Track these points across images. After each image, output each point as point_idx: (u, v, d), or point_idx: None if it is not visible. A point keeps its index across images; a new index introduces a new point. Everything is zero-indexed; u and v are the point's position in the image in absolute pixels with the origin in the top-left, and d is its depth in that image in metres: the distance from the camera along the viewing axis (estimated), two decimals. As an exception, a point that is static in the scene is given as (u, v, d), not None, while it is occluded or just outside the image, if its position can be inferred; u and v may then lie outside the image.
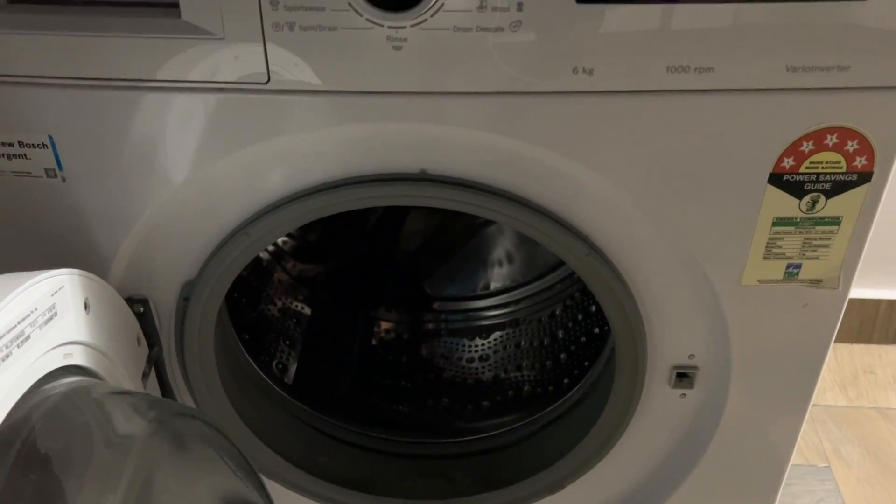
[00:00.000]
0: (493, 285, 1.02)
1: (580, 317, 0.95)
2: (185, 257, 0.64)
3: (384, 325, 1.03)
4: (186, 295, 0.65)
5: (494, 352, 0.99)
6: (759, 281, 0.61)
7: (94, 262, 0.62)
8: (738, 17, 0.50)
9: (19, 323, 0.46)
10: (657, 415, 0.71)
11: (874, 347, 1.34)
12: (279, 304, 0.97)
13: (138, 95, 0.55)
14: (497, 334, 1.00)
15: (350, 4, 0.50)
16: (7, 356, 0.44)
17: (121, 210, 0.60)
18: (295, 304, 0.98)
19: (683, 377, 0.68)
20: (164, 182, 0.59)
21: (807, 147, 0.55)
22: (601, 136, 0.55)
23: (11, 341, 0.45)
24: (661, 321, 0.65)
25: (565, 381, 0.89)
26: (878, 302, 1.29)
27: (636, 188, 0.58)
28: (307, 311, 0.99)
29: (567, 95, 0.53)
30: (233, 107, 0.55)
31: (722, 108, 0.54)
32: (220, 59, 0.53)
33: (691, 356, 0.67)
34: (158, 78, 0.54)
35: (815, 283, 0.61)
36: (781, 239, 0.59)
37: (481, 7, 0.50)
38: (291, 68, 0.53)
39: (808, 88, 0.53)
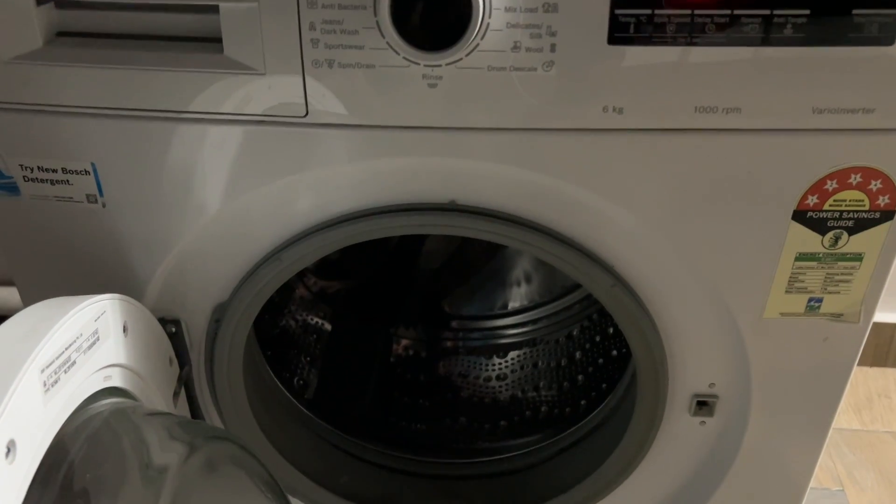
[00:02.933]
0: (511, 304, 1.03)
1: (598, 338, 0.95)
2: (218, 281, 0.65)
3: (402, 342, 1.04)
4: (218, 317, 0.67)
5: (512, 371, 0.99)
6: (780, 314, 0.62)
7: (130, 284, 0.64)
8: (765, 60, 0.51)
9: (66, 349, 0.47)
10: (676, 442, 0.72)
11: (889, 371, 1.33)
12: (300, 320, 0.98)
13: (179, 126, 0.57)
14: (514, 353, 1.01)
15: (388, 44, 0.51)
16: (55, 382, 0.46)
17: (158, 236, 0.62)
18: (315, 320, 0.99)
19: (703, 405, 0.69)
20: (201, 210, 0.60)
21: (831, 186, 0.56)
22: (629, 171, 0.57)
23: (59, 367, 0.46)
24: (683, 350, 0.66)
25: (582, 402, 0.89)
26: (893, 326, 1.30)
27: (662, 222, 0.59)
28: (327, 327, 1.00)
29: (596, 133, 0.55)
30: (271, 139, 0.57)
31: (748, 148, 0.55)
32: (260, 93, 0.54)
33: (712, 385, 0.68)
34: (199, 110, 0.56)
35: (836, 317, 0.62)
36: (804, 274, 0.60)
37: (515, 48, 0.52)
38: (329, 103, 0.54)
39: (834, 129, 0.54)
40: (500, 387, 0.98)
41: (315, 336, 0.99)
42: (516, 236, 0.61)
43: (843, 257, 0.59)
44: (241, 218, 0.61)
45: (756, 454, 0.71)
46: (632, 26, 0.50)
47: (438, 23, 0.50)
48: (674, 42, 0.51)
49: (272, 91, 0.54)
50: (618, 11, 0.50)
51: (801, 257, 0.59)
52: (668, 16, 0.50)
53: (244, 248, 0.63)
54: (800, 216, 0.57)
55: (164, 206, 0.60)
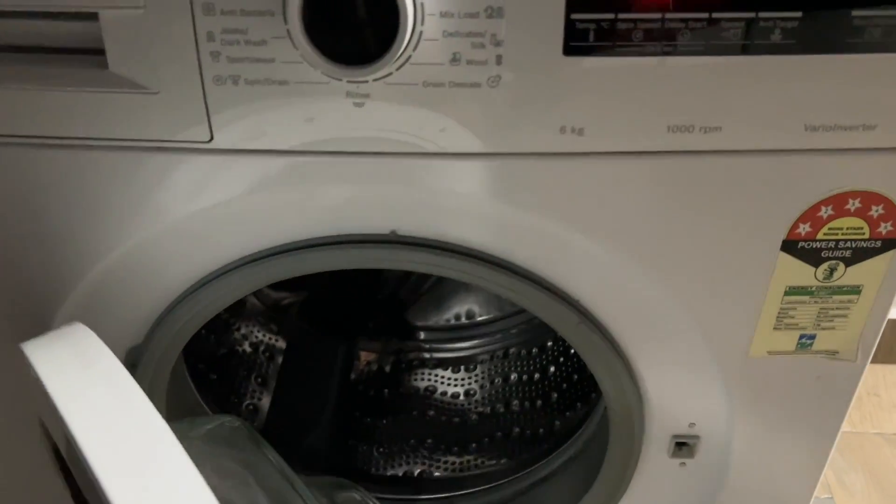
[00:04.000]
0: (480, 314, 0.97)
1: (572, 350, 0.89)
2: (130, 323, 0.58)
3: (364, 356, 0.97)
4: (133, 361, 0.59)
5: (481, 386, 0.94)
6: (768, 352, 0.55)
7: (32, 327, 0.56)
8: (750, 71, 0.44)
9: None
10: (654, 483, 0.65)
11: (878, 367, 1.29)
12: (251, 337, 0.91)
13: (66, 154, 0.49)
14: (484, 367, 0.95)
15: (302, 57, 0.43)
16: None
17: (55, 277, 0.54)
18: (268, 336, 0.92)
19: (683, 446, 0.63)
20: (101, 247, 0.52)
21: (825, 212, 0.49)
22: (594, 198, 0.49)
23: None
24: (660, 389, 0.59)
25: (556, 423, 0.84)
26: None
27: (632, 253, 0.52)
28: (281, 344, 0.93)
29: (553, 157, 0.47)
30: (172, 167, 0.49)
31: (731, 171, 0.48)
32: (157, 116, 0.46)
33: (692, 425, 0.61)
34: (87, 136, 0.48)
35: (831, 354, 0.55)
36: (794, 309, 0.53)
37: (455, 60, 0.44)
38: (237, 126, 0.46)
39: (829, 149, 0.47)
40: (470, 403, 0.92)
41: (267, 354, 0.92)
42: (467, 270, 0.54)
43: (839, 290, 0.52)
44: (149, 254, 0.53)
45: (741, 496, 0.65)
46: (591, 33, 0.43)
47: (361, 31, 0.42)
48: (641, 51, 0.43)
49: (169, 113, 0.46)
50: (574, 16, 0.42)
51: (792, 291, 0.52)
52: (635, 20, 0.42)
53: (156, 287, 0.55)
54: (790, 247, 0.51)
55: (57, 243, 0.52)
